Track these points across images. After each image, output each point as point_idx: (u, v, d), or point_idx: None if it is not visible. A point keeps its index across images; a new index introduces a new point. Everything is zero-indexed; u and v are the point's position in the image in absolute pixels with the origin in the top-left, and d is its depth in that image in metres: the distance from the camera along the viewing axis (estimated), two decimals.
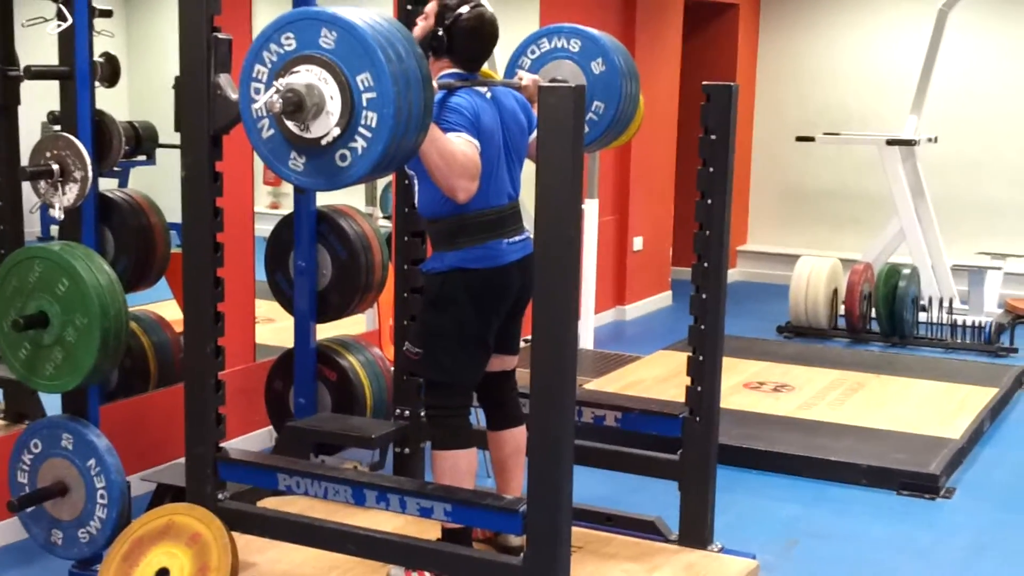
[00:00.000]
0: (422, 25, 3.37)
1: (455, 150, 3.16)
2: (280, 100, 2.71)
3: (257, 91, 2.83)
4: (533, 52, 3.82)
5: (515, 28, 6.18)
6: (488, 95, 3.39)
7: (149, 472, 4.23)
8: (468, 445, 3.45)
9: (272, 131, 2.83)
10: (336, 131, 2.73)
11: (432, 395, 3.49)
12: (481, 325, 3.41)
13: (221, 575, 3.15)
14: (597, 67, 3.71)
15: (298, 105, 2.72)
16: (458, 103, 3.26)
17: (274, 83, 2.75)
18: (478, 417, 3.74)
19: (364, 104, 2.70)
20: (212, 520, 3.24)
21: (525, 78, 3.53)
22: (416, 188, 3.42)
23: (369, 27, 2.71)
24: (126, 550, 3.29)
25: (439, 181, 3.18)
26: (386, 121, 2.69)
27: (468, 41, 3.35)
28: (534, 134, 3.24)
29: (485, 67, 3.54)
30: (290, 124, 2.77)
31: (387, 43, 2.71)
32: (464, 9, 3.32)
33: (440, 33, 3.33)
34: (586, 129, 3.68)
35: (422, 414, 3.82)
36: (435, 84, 3.19)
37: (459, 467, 3.40)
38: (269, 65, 2.80)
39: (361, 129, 2.71)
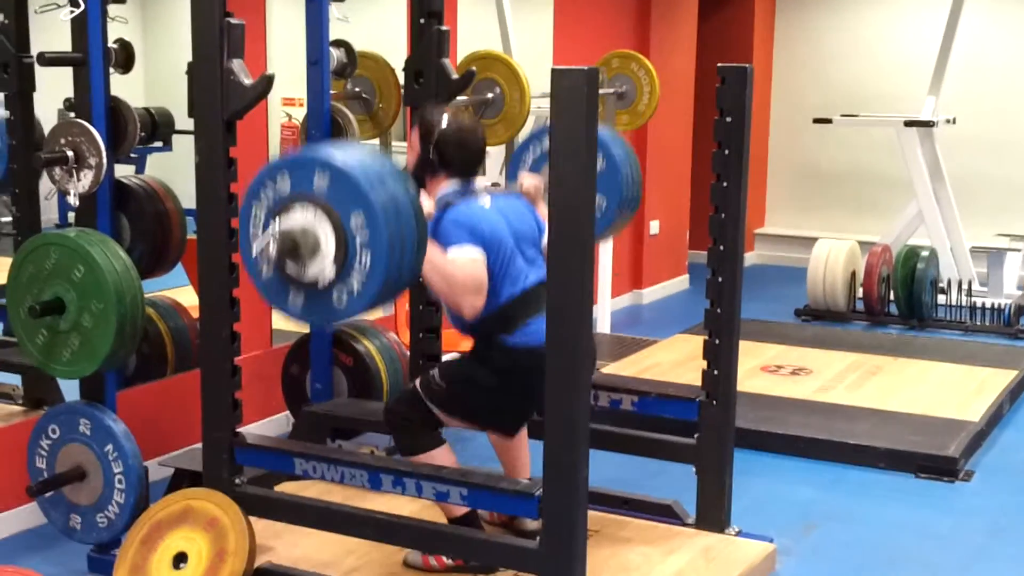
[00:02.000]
0: (411, 156, 3.46)
1: (454, 271, 3.23)
2: (276, 246, 2.80)
3: (255, 230, 2.90)
4: (535, 150, 3.90)
5: (530, 21, 6.16)
6: (487, 205, 3.41)
7: (167, 457, 4.24)
8: (440, 443, 3.45)
9: (271, 273, 2.91)
10: (331, 273, 2.80)
11: (413, 407, 3.46)
12: (510, 405, 3.45)
13: (239, 559, 3.17)
14: (599, 164, 3.69)
15: (293, 250, 2.80)
16: (455, 218, 3.31)
17: (271, 223, 2.82)
18: None
19: (358, 246, 2.77)
20: (229, 505, 3.26)
21: (526, 181, 3.57)
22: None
23: (360, 168, 2.78)
24: (144, 534, 3.31)
25: (444, 300, 3.33)
26: (380, 262, 2.76)
27: (457, 152, 3.42)
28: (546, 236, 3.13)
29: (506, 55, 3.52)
30: (287, 267, 2.84)
31: (378, 181, 2.78)
32: (444, 123, 3.40)
33: (431, 156, 3.39)
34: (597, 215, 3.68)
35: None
36: (428, 207, 3.24)
37: (441, 463, 3.38)
38: (266, 205, 2.88)
39: (355, 271, 2.79)
